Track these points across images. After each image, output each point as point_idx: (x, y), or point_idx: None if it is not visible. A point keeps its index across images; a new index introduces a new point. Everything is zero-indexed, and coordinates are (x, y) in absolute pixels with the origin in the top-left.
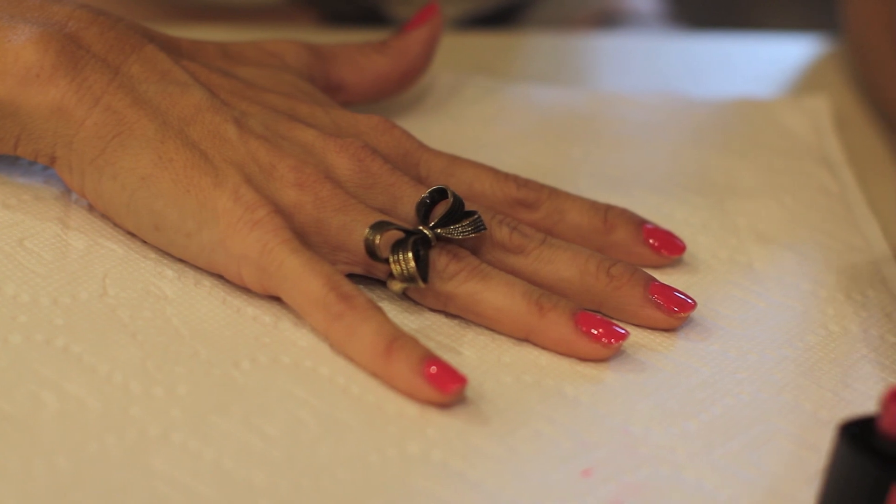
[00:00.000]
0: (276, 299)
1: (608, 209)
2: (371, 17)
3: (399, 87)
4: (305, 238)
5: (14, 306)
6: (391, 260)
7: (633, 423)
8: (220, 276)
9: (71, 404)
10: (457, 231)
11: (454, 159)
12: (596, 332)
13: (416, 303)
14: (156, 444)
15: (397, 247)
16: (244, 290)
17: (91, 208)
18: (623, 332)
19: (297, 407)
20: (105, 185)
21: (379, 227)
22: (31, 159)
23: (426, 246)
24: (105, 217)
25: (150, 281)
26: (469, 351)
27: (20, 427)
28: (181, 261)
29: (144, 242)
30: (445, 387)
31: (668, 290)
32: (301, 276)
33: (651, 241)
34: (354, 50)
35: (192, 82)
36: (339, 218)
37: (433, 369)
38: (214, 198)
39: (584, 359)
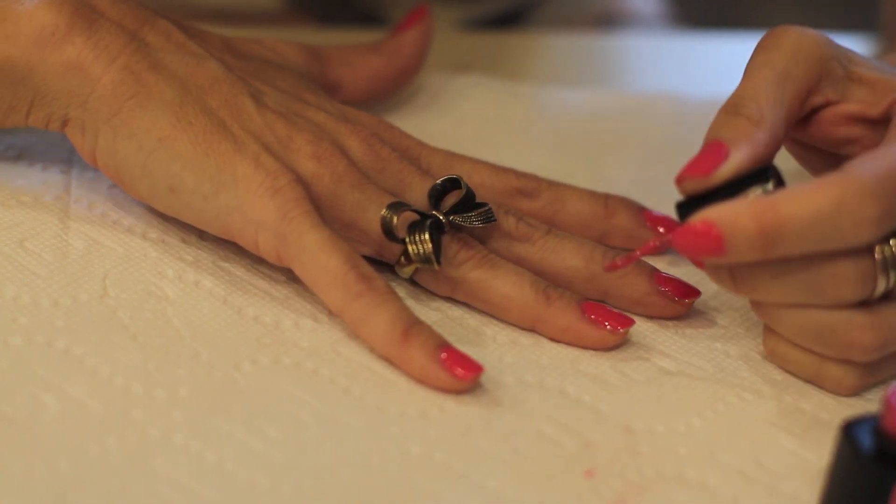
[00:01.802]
0: (276, 300)
1: (608, 196)
2: (368, 21)
3: (394, 87)
4: (318, 212)
5: (15, 308)
6: (408, 240)
7: (636, 423)
8: (220, 276)
9: (72, 406)
10: (469, 220)
11: (452, 154)
12: (602, 320)
13: (417, 298)
14: (157, 446)
15: (414, 228)
16: (245, 290)
17: (90, 208)
18: (629, 319)
19: (298, 408)
20: (120, 146)
21: (396, 207)
22: (41, 127)
23: (439, 231)
24: (115, 183)
25: (150, 281)
26: (470, 351)
27: (21, 429)
28: (181, 260)
29: (144, 240)
30: (461, 373)
31: (672, 279)
32: (322, 249)
33: (651, 224)
34: (350, 51)
35: (207, 56)
36: (354, 194)
37: (450, 357)
38: (234, 163)
39: (590, 347)
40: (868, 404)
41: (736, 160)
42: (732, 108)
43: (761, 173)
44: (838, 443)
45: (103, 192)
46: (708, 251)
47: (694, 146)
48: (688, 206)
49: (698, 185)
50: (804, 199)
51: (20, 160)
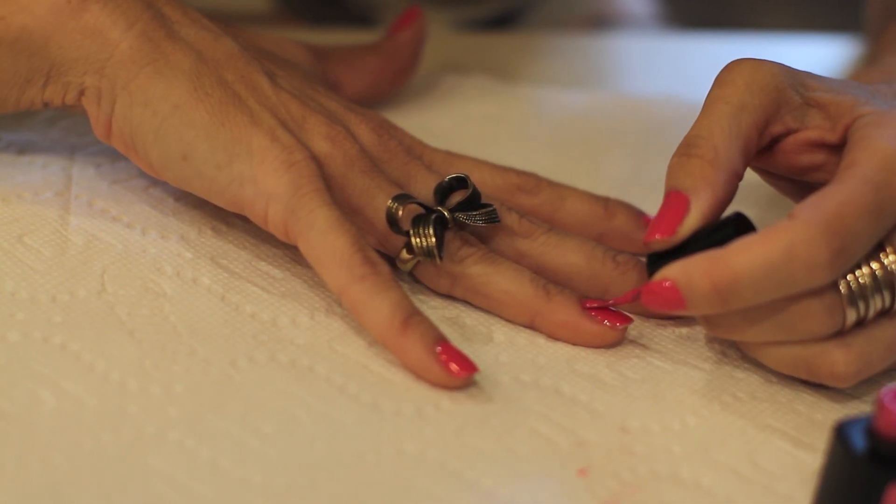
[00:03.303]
0: (274, 297)
1: (607, 198)
2: (358, 22)
3: (391, 86)
4: (330, 192)
5: (12, 303)
6: (412, 233)
7: (631, 422)
8: (218, 273)
9: (68, 402)
10: (473, 218)
11: (452, 154)
12: (600, 316)
13: (415, 296)
14: (152, 442)
15: (418, 221)
16: (243, 287)
17: (90, 205)
18: (628, 316)
19: (293, 405)
20: (135, 112)
21: (402, 198)
22: (58, 102)
23: (443, 226)
24: (126, 154)
25: (148, 277)
26: (467, 350)
27: (17, 424)
28: (179, 256)
29: (143, 236)
30: (455, 370)
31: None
32: (331, 228)
33: None
34: (349, 51)
35: (223, 33)
36: (364, 180)
37: (446, 352)
38: (250, 134)
39: (589, 343)
40: (862, 405)
41: (697, 211)
42: (686, 149)
43: (727, 221)
44: (831, 443)
45: (103, 188)
46: (671, 307)
47: None
48: (658, 259)
49: (666, 244)
50: (754, 252)
51: (21, 156)
